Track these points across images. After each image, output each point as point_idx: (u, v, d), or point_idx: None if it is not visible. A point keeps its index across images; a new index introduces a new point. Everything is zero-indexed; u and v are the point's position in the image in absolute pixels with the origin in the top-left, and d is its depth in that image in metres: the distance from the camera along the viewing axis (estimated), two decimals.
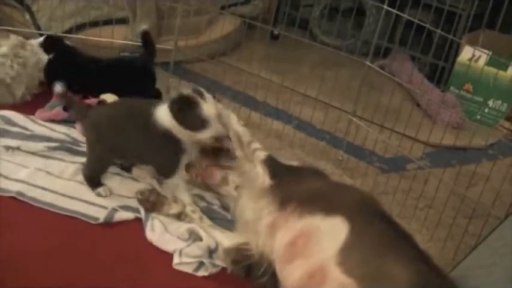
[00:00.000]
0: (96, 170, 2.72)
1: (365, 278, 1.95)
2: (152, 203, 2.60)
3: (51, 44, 3.36)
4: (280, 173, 2.50)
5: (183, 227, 2.50)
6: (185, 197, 2.63)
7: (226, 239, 2.44)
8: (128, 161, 2.83)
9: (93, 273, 2.25)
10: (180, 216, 2.59)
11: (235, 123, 2.67)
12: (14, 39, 3.35)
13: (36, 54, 3.39)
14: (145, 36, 3.43)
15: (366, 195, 2.44)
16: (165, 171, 2.66)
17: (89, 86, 3.36)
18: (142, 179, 2.83)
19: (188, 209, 2.60)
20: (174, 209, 2.60)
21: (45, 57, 3.38)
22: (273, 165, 2.54)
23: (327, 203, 2.22)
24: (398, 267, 1.95)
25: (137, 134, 2.57)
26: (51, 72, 3.36)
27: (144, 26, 4.09)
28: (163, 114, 2.52)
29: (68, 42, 3.50)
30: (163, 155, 2.60)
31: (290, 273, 2.12)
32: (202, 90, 2.54)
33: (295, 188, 2.38)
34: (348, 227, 2.08)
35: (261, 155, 2.58)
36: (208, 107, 2.49)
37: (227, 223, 2.62)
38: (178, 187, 2.64)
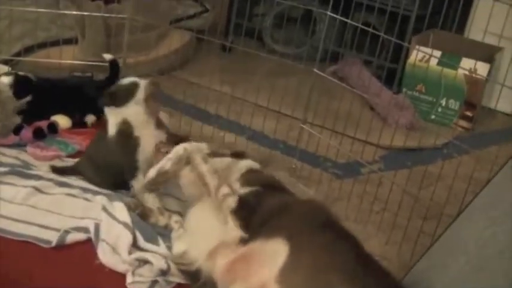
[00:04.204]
0: None
1: None
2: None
3: (25, 85, 3.28)
4: (251, 216, 2.31)
5: (131, 255, 2.40)
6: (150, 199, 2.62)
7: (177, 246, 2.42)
8: None
9: None
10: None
11: (200, 164, 2.46)
12: None
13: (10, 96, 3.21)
14: (112, 64, 3.47)
15: (312, 206, 2.36)
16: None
17: (42, 108, 3.34)
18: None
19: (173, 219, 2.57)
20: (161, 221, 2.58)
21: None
22: (245, 212, 2.32)
23: (270, 226, 2.17)
24: (341, 282, 1.92)
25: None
26: (35, 113, 3.29)
27: (93, 46, 4.08)
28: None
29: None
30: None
31: None
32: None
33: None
34: (287, 248, 2.04)
35: (231, 202, 2.36)
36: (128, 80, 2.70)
37: None
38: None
